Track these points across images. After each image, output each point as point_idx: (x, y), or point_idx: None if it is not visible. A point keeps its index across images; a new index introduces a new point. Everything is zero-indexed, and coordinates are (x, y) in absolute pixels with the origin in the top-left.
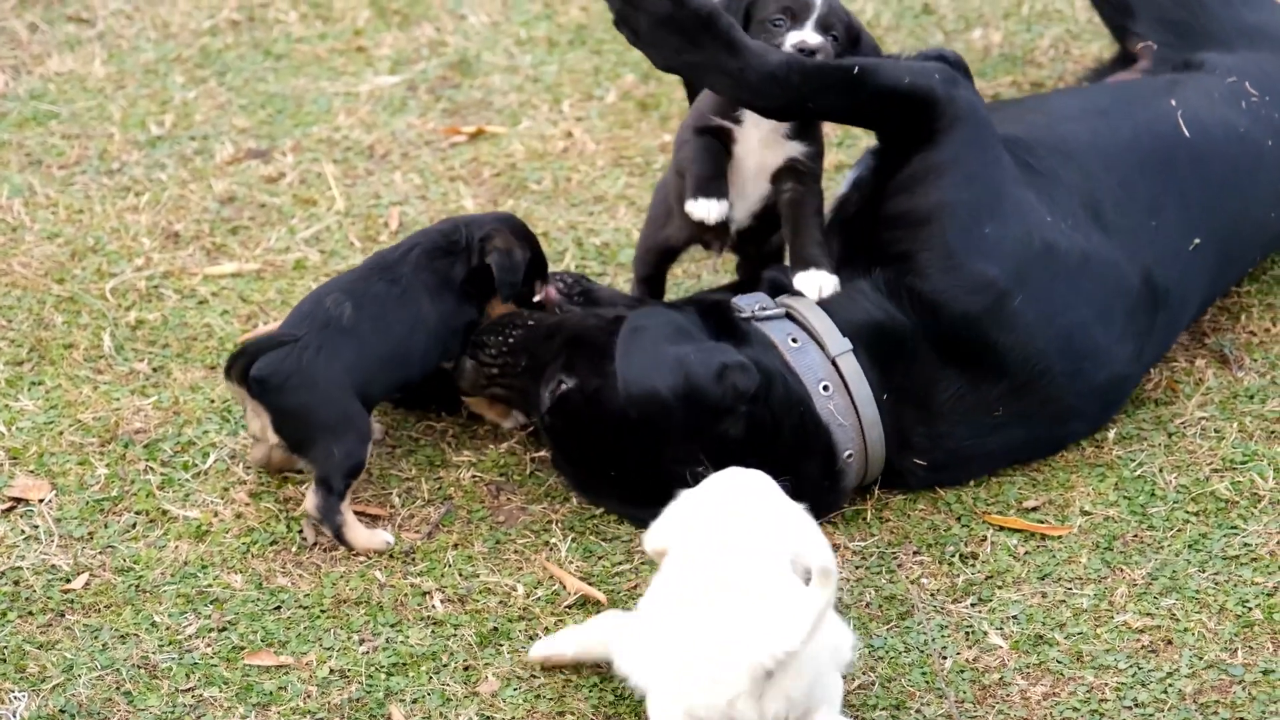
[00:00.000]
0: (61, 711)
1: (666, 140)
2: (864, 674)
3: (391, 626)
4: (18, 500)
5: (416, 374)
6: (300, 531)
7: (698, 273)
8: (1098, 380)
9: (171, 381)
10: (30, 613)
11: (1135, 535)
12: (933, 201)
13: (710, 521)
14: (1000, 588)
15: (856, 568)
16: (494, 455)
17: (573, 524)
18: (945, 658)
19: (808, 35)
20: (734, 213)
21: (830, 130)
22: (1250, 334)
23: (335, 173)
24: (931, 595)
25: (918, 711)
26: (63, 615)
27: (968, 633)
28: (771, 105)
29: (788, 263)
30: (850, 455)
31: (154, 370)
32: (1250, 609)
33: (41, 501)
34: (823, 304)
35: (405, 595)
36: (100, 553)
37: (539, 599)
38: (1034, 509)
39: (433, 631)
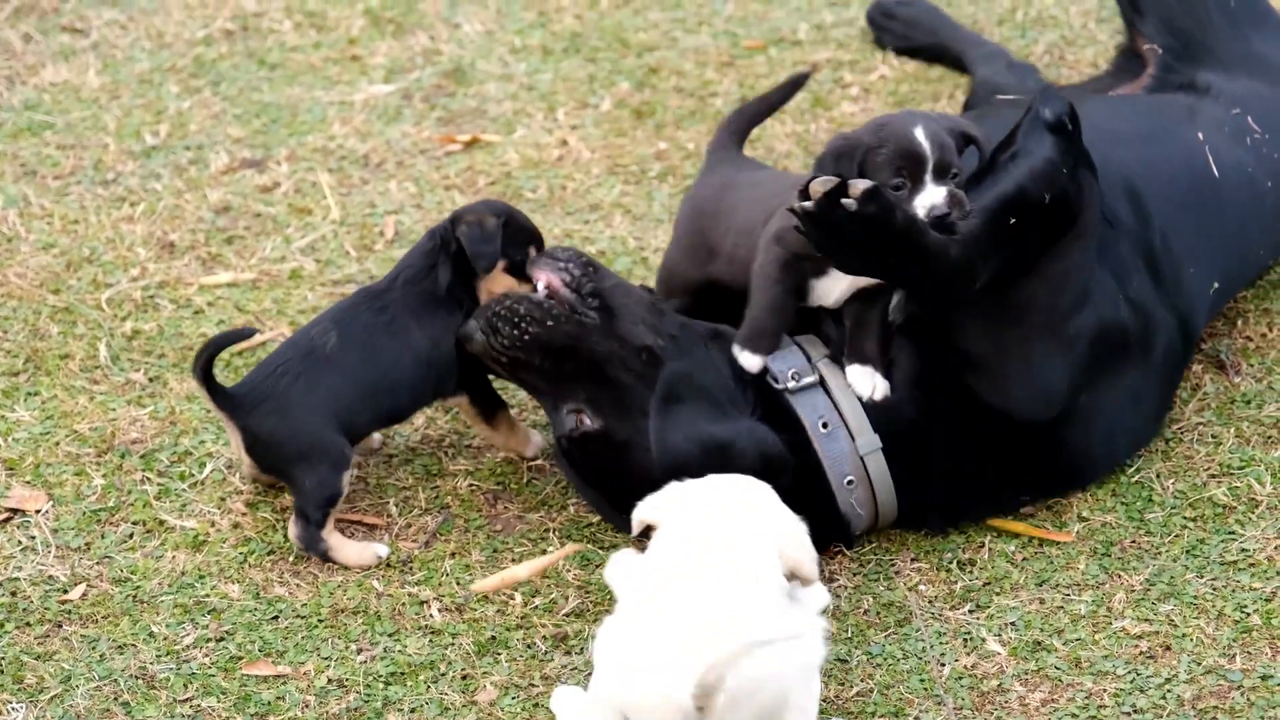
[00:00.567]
0: None
1: (662, 148)
2: (863, 681)
3: (389, 636)
4: (14, 511)
5: (406, 404)
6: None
7: None
8: (1127, 452)
9: (168, 391)
10: (28, 623)
11: (1133, 541)
12: (1025, 299)
13: (701, 513)
14: (998, 594)
15: (854, 574)
16: (491, 464)
17: (570, 532)
18: (944, 664)
19: (933, 196)
20: (817, 299)
21: None
22: (1247, 339)
23: (330, 182)
24: (930, 602)
25: (916, 718)
26: (60, 626)
27: (966, 639)
28: (949, 295)
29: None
30: (861, 531)
31: (150, 380)
32: (1248, 614)
33: (38, 512)
34: None
35: (403, 604)
36: (97, 563)
37: (537, 608)
38: (1032, 515)
39: (430, 641)
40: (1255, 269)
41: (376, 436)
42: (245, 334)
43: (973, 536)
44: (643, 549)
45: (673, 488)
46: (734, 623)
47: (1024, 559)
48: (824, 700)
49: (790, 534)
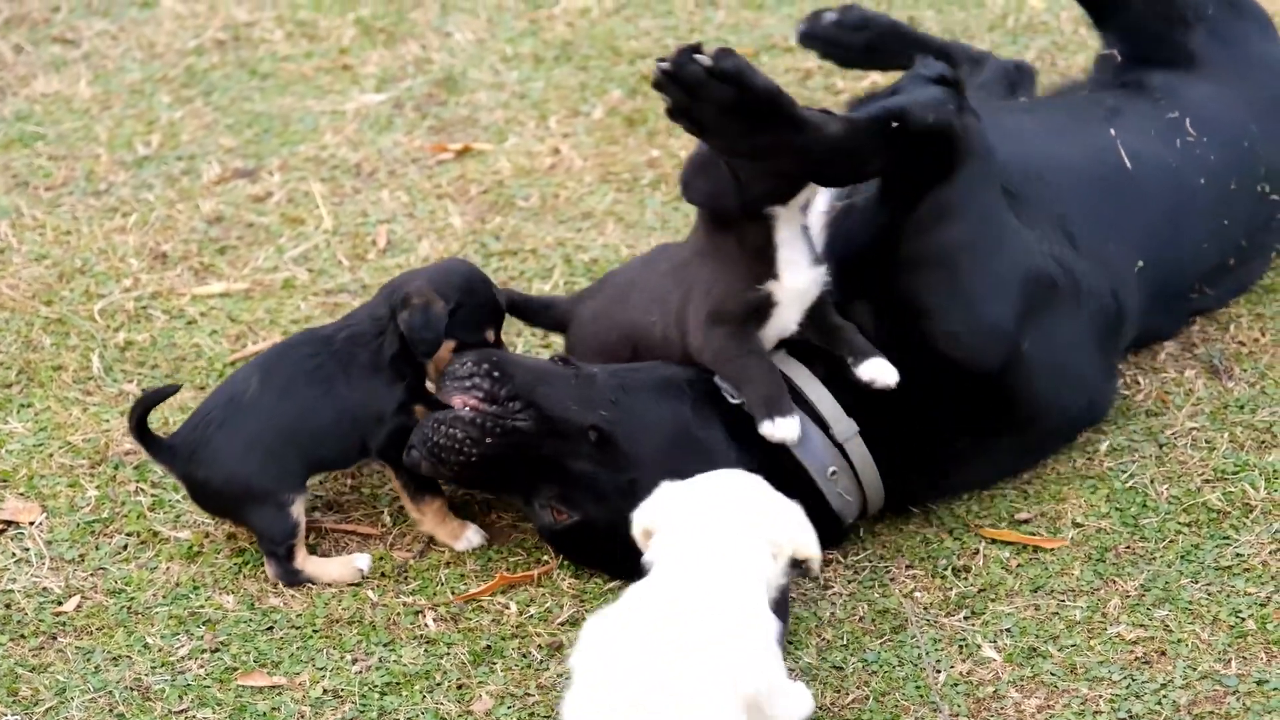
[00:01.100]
0: None
1: (655, 155)
2: (858, 688)
3: (384, 646)
4: (8, 523)
5: (333, 457)
6: None
7: None
8: (1080, 406)
9: (161, 403)
10: (22, 635)
11: (1127, 547)
12: (950, 242)
13: (695, 514)
14: (993, 600)
15: (849, 582)
16: None
17: None
18: (939, 671)
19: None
20: (779, 335)
21: None
22: (1239, 344)
23: (323, 191)
24: (925, 609)
25: None
26: (55, 638)
27: (961, 646)
28: (836, 173)
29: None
30: (851, 520)
31: (143, 391)
32: (1243, 619)
33: (32, 524)
34: (824, 366)
35: (398, 614)
36: (92, 575)
37: (532, 616)
38: (1026, 521)
39: (426, 650)
40: (1197, 261)
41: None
42: (171, 391)
43: (967, 543)
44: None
45: (665, 491)
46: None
47: (1019, 565)
48: (820, 708)
49: (786, 520)
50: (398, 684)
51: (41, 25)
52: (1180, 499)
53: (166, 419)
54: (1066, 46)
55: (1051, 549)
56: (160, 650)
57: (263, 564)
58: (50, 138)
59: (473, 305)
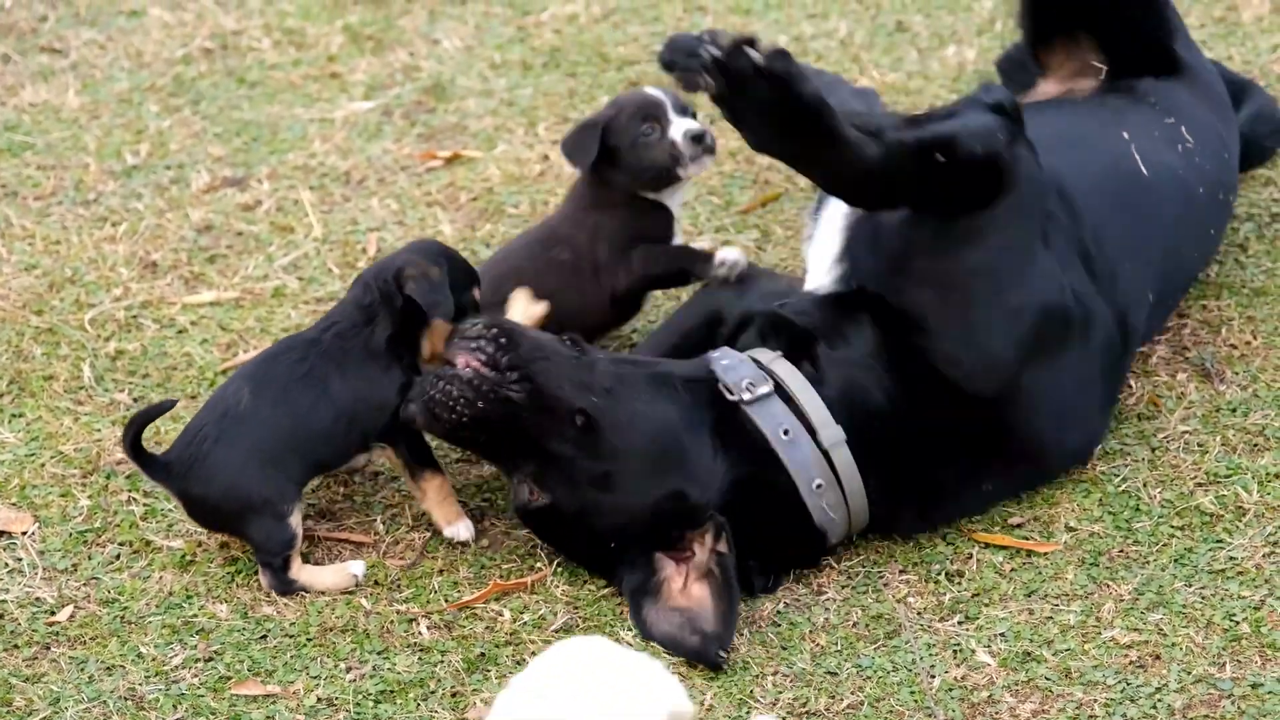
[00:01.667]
0: None
1: None
2: (853, 694)
3: (378, 654)
4: (0, 533)
5: (333, 456)
6: None
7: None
8: (1077, 443)
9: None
10: (15, 646)
11: (1121, 550)
12: (971, 266)
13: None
14: (987, 605)
15: (843, 587)
16: (477, 480)
17: None
18: (933, 676)
19: (685, 122)
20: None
21: None
22: (1231, 347)
23: (312, 199)
24: (919, 614)
25: None
26: (48, 648)
27: (955, 651)
28: (866, 197)
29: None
30: (836, 539)
31: (135, 400)
32: (1237, 623)
33: (24, 534)
34: (814, 370)
35: (391, 622)
36: (84, 584)
37: (526, 623)
38: (1019, 526)
39: (420, 658)
40: (1188, 274)
41: (361, 456)
42: (167, 406)
43: (960, 548)
44: None
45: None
46: None
47: (1012, 570)
48: (814, 713)
49: (657, 686)
50: (392, 692)
51: (29, 35)
52: (1173, 502)
53: (159, 429)
54: None
55: (1045, 553)
56: (154, 660)
57: (256, 572)
58: (39, 147)
59: (456, 268)
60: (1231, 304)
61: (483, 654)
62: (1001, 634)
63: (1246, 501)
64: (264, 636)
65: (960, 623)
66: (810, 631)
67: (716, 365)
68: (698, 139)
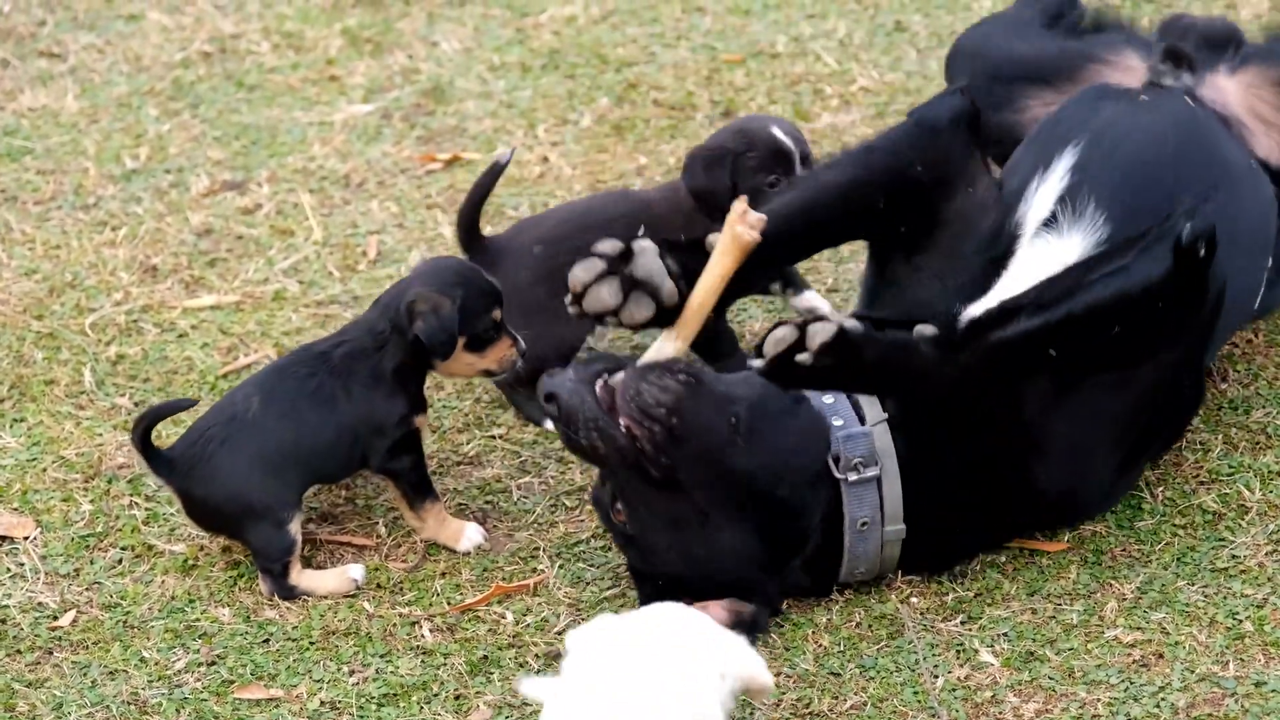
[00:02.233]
0: None
1: (643, 162)
2: (856, 694)
3: (381, 657)
4: (2, 538)
5: (336, 471)
6: None
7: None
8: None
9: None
10: (18, 651)
11: (1123, 549)
12: (1107, 414)
13: (631, 650)
14: (990, 605)
15: (846, 588)
16: (480, 482)
17: (560, 550)
18: (937, 676)
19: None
20: None
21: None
22: (1232, 345)
23: (312, 202)
24: (921, 614)
25: None
26: (51, 653)
27: (959, 651)
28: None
29: None
30: (844, 578)
31: (135, 405)
32: (1240, 621)
33: (26, 539)
34: (906, 448)
35: (394, 625)
36: (87, 589)
37: (529, 626)
38: None
39: (422, 661)
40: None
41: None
42: (186, 404)
43: None
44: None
45: (601, 625)
46: None
47: (1015, 569)
48: (818, 714)
49: (734, 652)
50: (395, 695)
51: (28, 39)
52: (1175, 501)
53: (161, 431)
54: None
55: (1047, 553)
56: (157, 664)
57: (257, 576)
58: (38, 152)
59: (473, 294)
60: None
61: (485, 656)
62: (1004, 634)
63: (1249, 500)
64: (266, 640)
65: (963, 623)
66: (813, 632)
67: (835, 433)
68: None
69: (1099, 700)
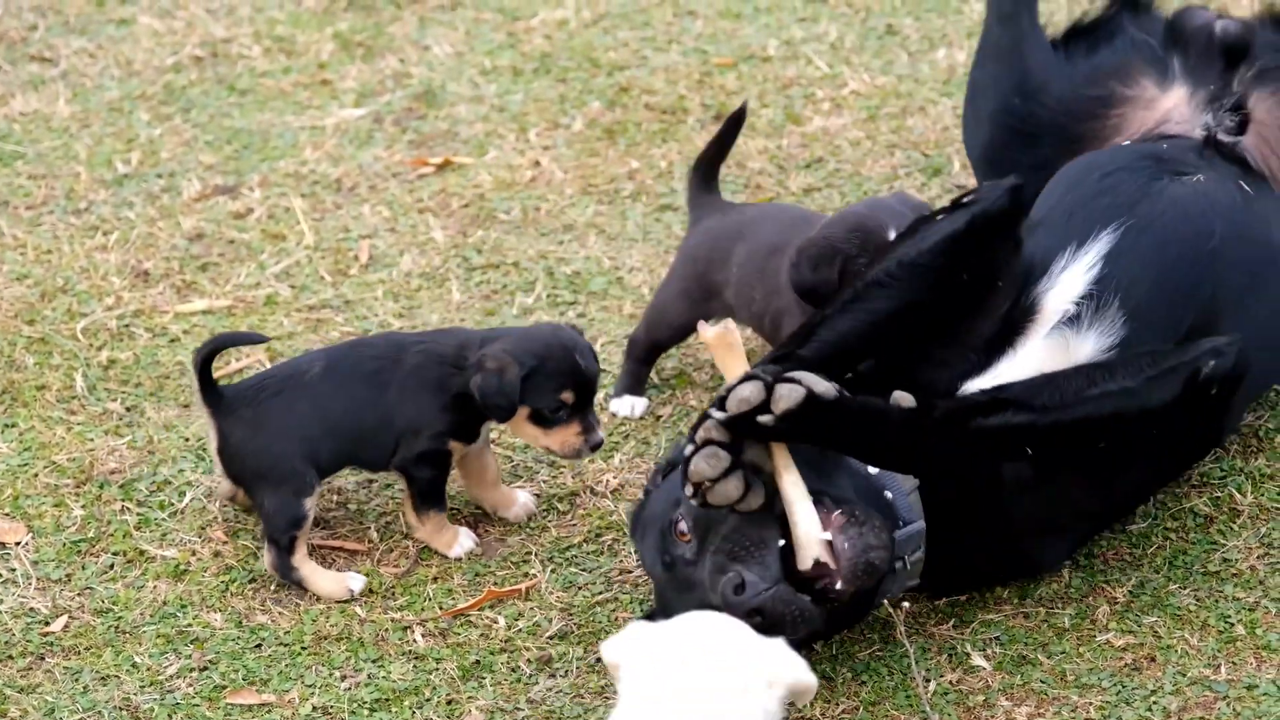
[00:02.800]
0: None
1: (635, 166)
2: (848, 699)
3: (373, 662)
4: None
5: (372, 458)
6: None
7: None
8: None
9: (145, 421)
10: (10, 656)
11: (1115, 553)
12: (1096, 490)
13: (677, 658)
14: (982, 609)
15: None
16: None
17: (551, 554)
18: (929, 681)
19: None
20: None
21: (798, 153)
22: None
23: (303, 207)
24: (913, 618)
25: None
26: (43, 658)
27: (951, 655)
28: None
29: None
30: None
31: (127, 410)
32: (1232, 624)
33: (18, 544)
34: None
35: (386, 630)
36: (79, 594)
37: (521, 631)
38: None
39: (414, 666)
40: None
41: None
42: (258, 338)
43: None
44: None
45: (642, 634)
46: None
47: None
48: (810, 719)
49: (778, 660)
50: (387, 700)
51: (19, 44)
52: (1167, 504)
53: (151, 437)
54: None
55: None
56: (148, 669)
57: (251, 581)
58: (29, 156)
59: (548, 371)
60: None
61: (477, 661)
62: (996, 637)
63: (1240, 503)
64: (259, 645)
65: (955, 627)
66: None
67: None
68: None
69: (1091, 704)
